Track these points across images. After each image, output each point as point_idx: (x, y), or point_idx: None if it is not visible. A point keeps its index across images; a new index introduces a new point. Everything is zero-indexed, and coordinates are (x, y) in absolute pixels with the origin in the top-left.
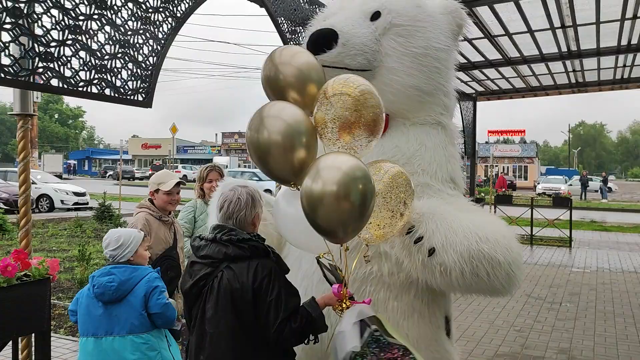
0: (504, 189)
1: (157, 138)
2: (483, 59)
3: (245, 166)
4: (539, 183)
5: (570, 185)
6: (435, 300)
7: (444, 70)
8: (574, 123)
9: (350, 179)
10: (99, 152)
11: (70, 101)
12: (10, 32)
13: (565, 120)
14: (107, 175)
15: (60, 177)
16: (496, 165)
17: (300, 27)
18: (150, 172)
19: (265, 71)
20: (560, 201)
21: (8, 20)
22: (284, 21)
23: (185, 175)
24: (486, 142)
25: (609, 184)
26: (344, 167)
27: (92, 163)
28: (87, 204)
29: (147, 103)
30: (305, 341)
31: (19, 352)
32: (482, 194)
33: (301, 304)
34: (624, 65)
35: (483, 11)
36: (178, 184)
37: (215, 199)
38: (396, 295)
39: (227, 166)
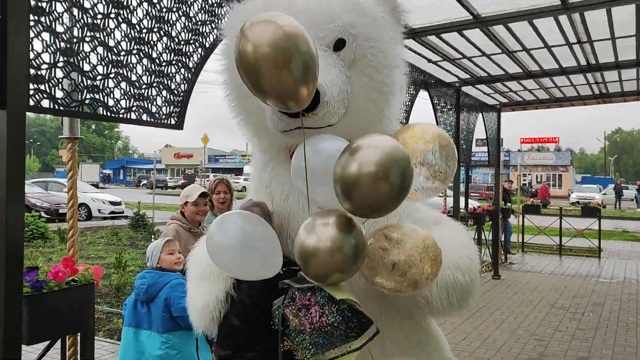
0: (547, 199)
1: (189, 148)
2: (504, 73)
3: None
4: (572, 192)
5: (605, 194)
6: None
7: (399, 79)
8: (610, 130)
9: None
10: (133, 162)
11: None
12: (63, 69)
13: (602, 127)
14: (141, 184)
15: (96, 186)
16: (529, 174)
17: None
18: (182, 181)
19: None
20: (589, 211)
21: (61, 59)
22: None
23: None
24: (519, 150)
25: None
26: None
27: (126, 172)
28: (123, 212)
29: (179, 126)
30: None
31: (67, 350)
32: (509, 205)
33: None
34: None
35: (498, 29)
36: (202, 194)
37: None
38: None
39: None
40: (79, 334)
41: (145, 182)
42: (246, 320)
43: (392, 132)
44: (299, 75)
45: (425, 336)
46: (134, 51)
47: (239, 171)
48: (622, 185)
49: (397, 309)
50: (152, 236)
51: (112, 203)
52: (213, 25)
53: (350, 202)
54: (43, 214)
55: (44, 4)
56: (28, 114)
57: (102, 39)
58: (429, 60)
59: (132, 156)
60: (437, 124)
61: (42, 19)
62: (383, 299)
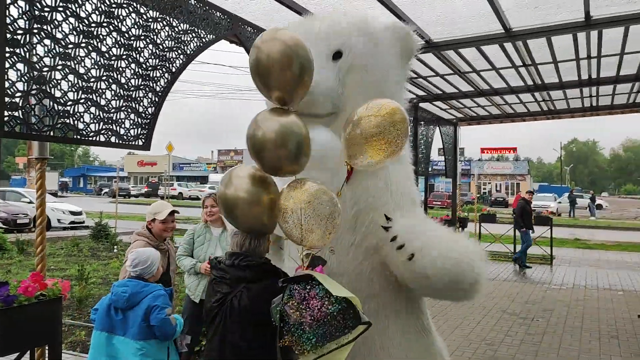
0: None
1: (153, 155)
2: (457, 91)
3: None
4: None
5: (560, 202)
6: (422, 311)
7: (399, 100)
8: (567, 140)
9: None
10: (95, 170)
11: None
12: (35, 97)
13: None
14: (103, 192)
15: (55, 195)
16: (488, 183)
17: None
18: (146, 189)
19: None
20: (542, 220)
21: (34, 87)
22: None
23: (180, 193)
24: (479, 160)
25: (600, 201)
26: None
27: (87, 180)
28: (84, 222)
29: (146, 147)
30: None
31: None
32: (466, 213)
33: None
34: (590, 96)
35: (450, 53)
36: (172, 212)
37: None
38: (394, 321)
39: None
40: (47, 345)
41: (107, 190)
42: None
43: None
44: (297, 73)
45: (422, 335)
46: (104, 77)
47: (204, 179)
48: (576, 194)
49: (397, 300)
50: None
51: (73, 213)
52: (179, 52)
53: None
54: (0, 225)
55: (19, 37)
56: None
57: (73, 66)
58: None
59: (94, 164)
60: None
61: (17, 50)
62: (384, 293)
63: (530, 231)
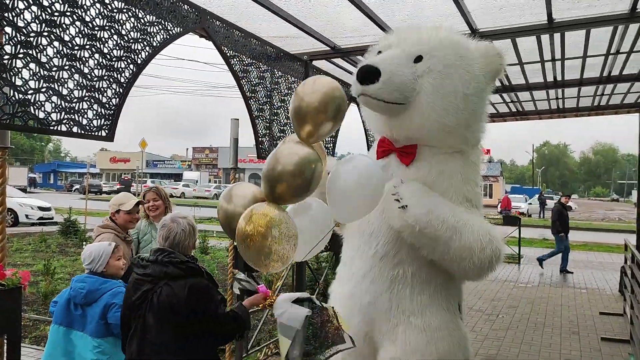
0: (508, 209)
1: (126, 152)
2: None
3: (215, 181)
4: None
5: (530, 204)
6: (450, 292)
7: (470, 110)
8: (539, 143)
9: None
10: (66, 165)
11: None
12: None
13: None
14: (74, 189)
15: (24, 190)
16: None
17: (254, 61)
18: (118, 186)
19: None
20: (510, 220)
21: None
22: (235, 54)
23: (183, 193)
24: None
25: (570, 203)
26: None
27: (58, 176)
28: (52, 218)
29: (109, 138)
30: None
31: None
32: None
33: (231, 308)
34: (557, 98)
35: None
36: (137, 203)
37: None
38: (420, 291)
39: (197, 181)
40: (5, 337)
41: (77, 187)
42: None
43: (464, 149)
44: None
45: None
46: (66, 67)
47: (178, 177)
48: (546, 195)
49: (428, 274)
50: (84, 243)
51: (41, 208)
52: (145, 43)
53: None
54: None
55: None
56: None
57: (35, 55)
58: None
59: (65, 160)
60: (367, 137)
61: None
62: (414, 262)
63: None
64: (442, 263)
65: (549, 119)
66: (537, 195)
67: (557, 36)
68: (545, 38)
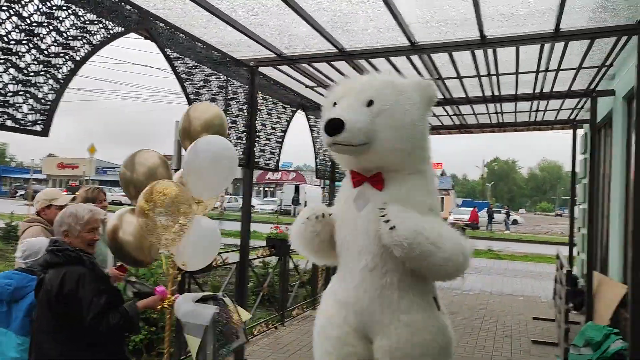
0: (475, 222)
1: (75, 158)
2: None
3: None
4: (451, 213)
5: (480, 217)
6: (428, 290)
7: (419, 134)
8: (490, 159)
9: None
10: (10, 171)
11: None
12: None
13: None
14: (18, 194)
15: None
16: None
17: (199, 64)
18: (65, 192)
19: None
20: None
21: None
22: (179, 56)
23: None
24: None
25: (516, 217)
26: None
27: (2, 182)
28: None
29: (44, 133)
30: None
31: None
32: None
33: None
34: (496, 112)
35: (363, 62)
36: (73, 199)
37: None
38: (405, 294)
39: None
40: None
41: (22, 192)
42: None
43: (420, 169)
44: None
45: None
46: (1, 61)
47: None
48: (494, 209)
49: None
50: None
51: None
52: (84, 41)
53: None
54: None
55: None
56: None
57: None
58: (306, 86)
59: (10, 164)
60: (314, 143)
61: None
62: (397, 269)
63: None
64: (422, 270)
65: (491, 132)
66: (485, 209)
67: (490, 52)
68: (479, 54)
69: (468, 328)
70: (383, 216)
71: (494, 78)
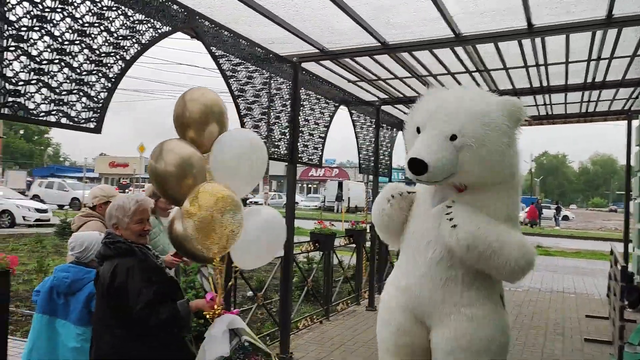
0: (535, 219)
1: (125, 157)
2: (417, 94)
3: None
4: None
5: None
6: (493, 288)
7: (506, 158)
8: (538, 153)
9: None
10: (64, 170)
11: None
12: None
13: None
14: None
15: (23, 193)
16: None
17: (243, 61)
18: (116, 190)
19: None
20: None
21: None
22: (224, 54)
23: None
24: None
25: (567, 213)
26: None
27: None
28: (49, 220)
29: (97, 130)
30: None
31: None
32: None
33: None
34: (544, 104)
35: (406, 55)
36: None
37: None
38: (468, 288)
39: None
40: None
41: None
42: None
43: (506, 180)
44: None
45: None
46: (56, 61)
47: None
48: (543, 204)
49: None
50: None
51: (38, 210)
52: (134, 40)
53: None
54: None
55: None
56: None
57: (26, 49)
58: (348, 80)
59: (64, 164)
60: (357, 138)
61: None
62: (462, 266)
63: None
64: (484, 270)
65: (539, 125)
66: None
67: (538, 41)
68: (527, 43)
69: (517, 325)
70: (448, 214)
71: (542, 68)
